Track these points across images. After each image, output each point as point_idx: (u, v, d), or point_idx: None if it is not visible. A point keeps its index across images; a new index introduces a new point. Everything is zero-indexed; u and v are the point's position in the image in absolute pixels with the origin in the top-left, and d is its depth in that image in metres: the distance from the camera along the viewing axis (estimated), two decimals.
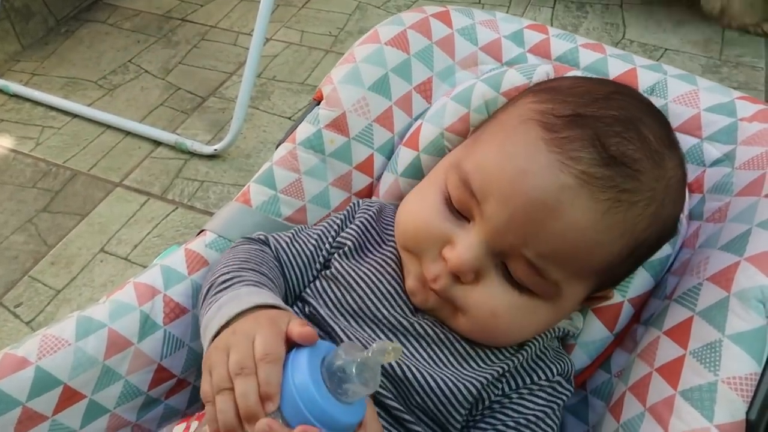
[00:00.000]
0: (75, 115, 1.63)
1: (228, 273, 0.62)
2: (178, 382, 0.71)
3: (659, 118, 0.59)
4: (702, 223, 0.68)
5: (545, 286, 0.56)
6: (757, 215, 0.60)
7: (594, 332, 0.69)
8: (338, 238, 0.70)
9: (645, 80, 0.77)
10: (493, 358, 0.61)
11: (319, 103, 0.80)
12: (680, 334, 0.58)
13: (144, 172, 1.49)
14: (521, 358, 0.61)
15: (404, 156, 0.79)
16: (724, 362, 0.54)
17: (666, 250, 0.67)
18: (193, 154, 1.52)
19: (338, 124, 0.79)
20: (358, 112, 0.79)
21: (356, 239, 0.68)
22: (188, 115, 1.63)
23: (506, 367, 0.60)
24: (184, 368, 0.71)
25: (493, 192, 0.54)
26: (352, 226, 0.70)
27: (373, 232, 0.70)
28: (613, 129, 0.54)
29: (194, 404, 0.75)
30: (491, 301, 0.56)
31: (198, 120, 1.62)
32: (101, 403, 0.65)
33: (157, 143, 1.55)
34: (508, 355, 0.61)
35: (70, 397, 0.62)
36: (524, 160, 0.53)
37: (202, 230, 0.76)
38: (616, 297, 0.68)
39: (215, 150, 1.49)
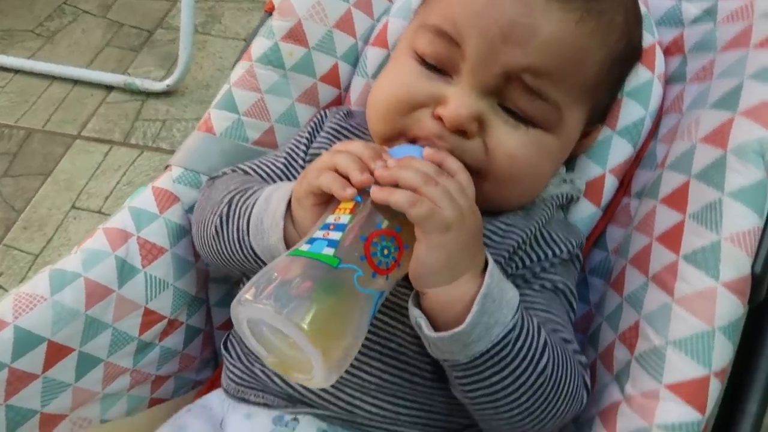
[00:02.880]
0: (17, 71, 1.54)
1: (235, 191, 0.60)
2: (170, 323, 0.70)
3: None
4: (685, 84, 0.66)
5: (548, 110, 0.56)
6: (747, 67, 0.57)
7: (581, 209, 0.68)
8: (310, 150, 0.67)
9: None
10: (502, 231, 0.59)
11: (271, 14, 0.74)
12: (677, 199, 0.57)
13: (101, 119, 1.42)
14: (534, 228, 0.60)
15: (373, 56, 0.75)
16: (725, 220, 0.53)
17: (638, 112, 0.67)
18: (149, 94, 1.44)
19: (295, 35, 0.74)
20: (314, 18, 0.74)
21: (330, 146, 0.65)
22: (137, 53, 1.54)
23: (520, 240, 0.59)
24: (174, 308, 0.70)
25: (468, 28, 0.54)
26: (323, 134, 0.67)
27: (347, 135, 0.67)
28: None
29: (191, 343, 0.74)
30: (505, 143, 0.55)
31: (148, 56, 1.53)
32: (92, 353, 0.64)
33: (110, 88, 1.48)
34: (520, 226, 0.60)
35: (57, 352, 0.61)
36: None
37: (168, 166, 0.72)
38: (597, 170, 0.67)
39: (167, 86, 1.41)
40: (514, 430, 0.53)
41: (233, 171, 0.68)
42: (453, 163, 0.52)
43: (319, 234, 0.46)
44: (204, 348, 0.77)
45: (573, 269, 0.63)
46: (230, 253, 0.59)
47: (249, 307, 0.43)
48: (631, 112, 0.67)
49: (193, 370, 0.77)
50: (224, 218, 0.59)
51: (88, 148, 1.38)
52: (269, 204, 0.55)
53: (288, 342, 0.44)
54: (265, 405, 0.60)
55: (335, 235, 0.45)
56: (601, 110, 0.64)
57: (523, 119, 0.56)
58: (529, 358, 0.49)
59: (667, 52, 0.69)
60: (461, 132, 0.54)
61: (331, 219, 0.47)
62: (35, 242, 1.24)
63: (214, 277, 0.75)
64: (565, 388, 0.52)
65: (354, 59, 0.78)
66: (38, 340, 0.59)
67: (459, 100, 0.54)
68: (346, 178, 0.49)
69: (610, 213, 0.69)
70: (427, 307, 0.49)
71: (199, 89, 1.44)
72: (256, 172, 0.67)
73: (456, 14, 0.55)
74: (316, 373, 0.43)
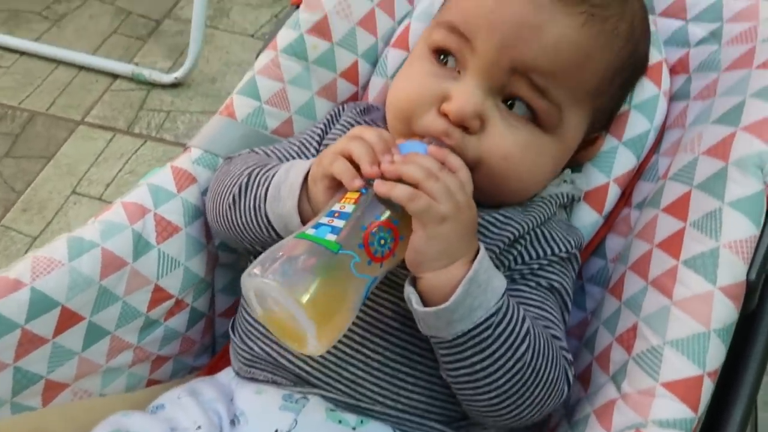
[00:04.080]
0: (23, 53, 1.53)
1: (255, 165, 0.63)
2: (177, 303, 0.70)
3: None
4: (689, 101, 0.69)
5: (549, 110, 0.58)
6: (750, 86, 0.60)
7: (583, 217, 0.70)
8: (324, 141, 0.69)
9: None
10: (500, 223, 0.61)
11: (298, 7, 0.76)
12: (679, 208, 0.60)
13: (105, 107, 1.43)
14: (531, 223, 0.62)
15: (394, 57, 0.77)
16: (724, 228, 0.56)
17: (644, 125, 0.70)
18: (155, 84, 1.45)
19: (320, 28, 0.76)
20: (340, 14, 0.76)
21: None
22: (144, 42, 1.55)
23: (516, 233, 0.61)
24: (182, 288, 0.70)
25: (479, 25, 0.57)
26: (338, 126, 0.69)
27: None
28: None
29: (193, 326, 0.75)
30: (501, 143, 0.58)
31: (155, 46, 1.54)
32: (101, 325, 0.64)
33: (115, 75, 1.48)
34: (517, 219, 0.62)
35: (68, 318, 0.61)
36: None
37: (188, 147, 0.73)
38: (602, 178, 0.70)
39: (176, 78, 1.42)
40: (494, 414, 0.56)
41: (250, 152, 0.70)
42: (455, 160, 0.55)
43: (324, 220, 0.51)
44: (205, 333, 0.77)
45: (570, 269, 0.65)
46: (245, 221, 0.61)
47: (256, 280, 0.48)
48: (637, 124, 0.70)
49: (192, 355, 0.77)
50: (243, 187, 0.62)
51: (92, 134, 1.38)
52: (288, 175, 0.59)
53: (288, 313, 0.49)
54: (275, 383, 0.62)
55: (339, 223, 0.50)
56: (605, 117, 0.67)
57: (523, 119, 0.58)
58: (509, 343, 0.52)
59: (673, 71, 0.72)
60: (464, 128, 0.57)
61: (336, 207, 0.52)
62: (34, 225, 1.23)
63: (222, 262, 0.76)
64: (545, 378, 0.55)
65: (373, 58, 0.80)
66: (53, 304, 0.59)
67: (464, 96, 0.57)
68: (356, 167, 0.53)
69: (610, 222, 0.71)
70: (420, 288, 0.53)
71: (205, 82, 1.45)
72: (269, 156, 0.69)
73: (468, 11, 0.59)
74: (309, 342, 0.49)
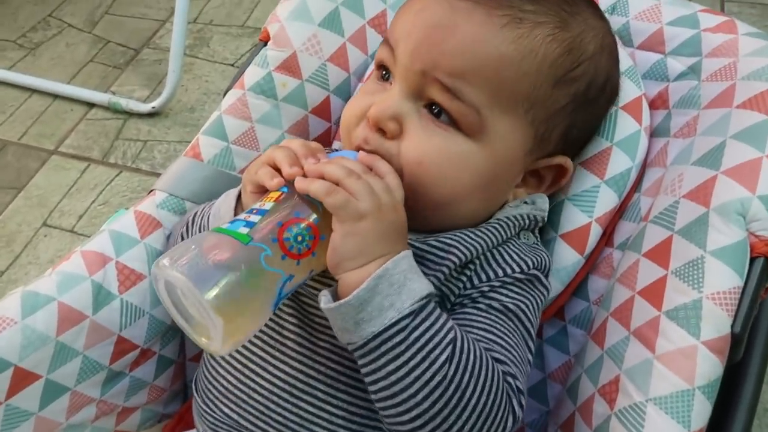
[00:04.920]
0: None
1: (198, 208, 0.65)
2: (142, 353, 0.68)
3: None
4: (670, 138, 0.68)
5: (466, 112, 0.56)
6: (730, 127, 0.58)
7: (564, 257, 0.68)
8: None
9: None
10: (442, 251, 0.58)
11: (266, 44, 0.75)
12: (660, 254, 0.58)
13: (80, 136, 1.40)
14: (482, 246, 0.58)
15: None
16: (707, 278, 0.54)
17: (626, 163, 0.68)
18: (131, 114, 1.42)
19: (289, 66, 0.74)
20: (309, 51, 0.74)
21: None
22: (122, 70, 1.53)
23: (464, 258, 0.57)
24: (147, 337, 0.68)
25: (401, 34, 0.58)
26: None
27: None
28: None
29: (162, 374, 0.72)
30: (416, 147, 0.57)
31: (133, 75, 1.52)
32: (60, 381, 0.62)
33: (91, 104, 1.45)
34: (465, 244, 0.58)
35: (23, 379, 0.59)
36: (420, 3, 0.59)
37: (152, 190, 0.71)
38: (583, 218, 0.68)
39: (153, 107, 1.40)
40: None
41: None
42: (383, 165, 0.55)
43: (241, 216, 0.51)
44: (174, 380, 0.75)
45: (531, 291, 0.60)
46: None
47: (164, 271, 0.47)
48: (619, 162, 0.67)
49: (161, 403, 0.75)
50: (190, 223, 0.64)
51: (65, 164, 1.35)
52: (227, 198, 0.61)
53: (195, 307, 0.48)
54: None
55: (254, 218, 0.50)
56: (563, 139, 0.63)
57: (444, 124, 0.57)
58: (425, 351, 0.48)
59: (653, 105, 0.71)
60: (382, 132, 0.57)
61: (256, 205, 0.52)
62: (2, 258, 1.20)
63: None
64: (475, 401, 0.49)
65: (346, 93, 0.78)
66: (4, 365, 0.57)
67: (382, 101, 0.57)
68: (279, 170, 0.54)
69: (591, 262, 0.69)
70: (339, 291, 0.51)
71: (183, 111, 1.43)
72: None
73: (397, 23, 0.60)
74: (214, 339, 0.47)
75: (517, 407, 0.52)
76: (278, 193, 0.53)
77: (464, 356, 0.50)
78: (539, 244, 0.66)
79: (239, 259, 0.47)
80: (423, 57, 0.56)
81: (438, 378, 0.48)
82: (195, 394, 0.64)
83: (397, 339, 0.48)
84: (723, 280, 0.53)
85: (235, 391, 0.60)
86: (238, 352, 0.60)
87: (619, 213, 0.69)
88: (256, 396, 0.59)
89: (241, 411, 0.59)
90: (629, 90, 0.68)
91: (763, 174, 0.54)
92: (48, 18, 1.66)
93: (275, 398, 0.58)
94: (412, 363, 0.48)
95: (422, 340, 0.49)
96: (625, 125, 0.68)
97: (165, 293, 0.50)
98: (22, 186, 1.31)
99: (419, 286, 0.50)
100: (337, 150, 0.60)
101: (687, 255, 0.55)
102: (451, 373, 0.49)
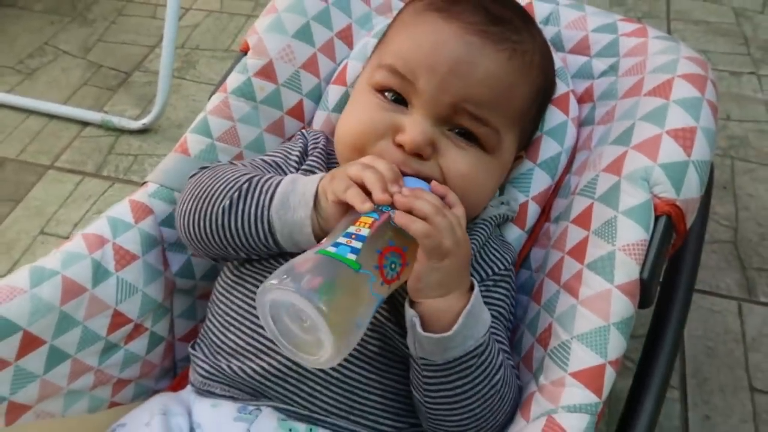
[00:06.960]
0: None
1: (252, 174, 0.66)
2: (136, 327, 0.74)
3: None
4: (594, 126, 0.79)
5: (489, 134, 0.65)
6: (638, 111, 0.69)
7: (510, 232, 0.78)
8: (303, 167, 0.73)
9: (540, 11, 0.87)
10: None
11: (246, 54, 0.84)
12: (584, 219, 0.67)
13: (75, 152, 1.48)
14: (474, 246, 0.68)
15: (334, 93, 0.85)
16: (619, 233, 0.63)
17: (555, 148, 0.79)
18: (123, 130, 1.51)
19: (266, 72, 0.83)
20: (284, 59, 0.84)
21: (324, 167, 0.72)
22: (114, 92, 1.62)
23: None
24: (140, 313, 0.74)
25: (419, 68, 0.64)
26: (316, 153, 0.74)
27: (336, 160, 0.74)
28: None
29: (153, 350, 0.78)
30: (457, 164, 0.65)
31: (125, 95, 1.61)
32: (62, 348, 0.67)
33: (85, 123, 1.54)
34: None
35: (30, 342, 0.64)
36: (433, 35, 0.65)
37: (145, 182, 0.79)
38: (521, 197, 0.78)
39: (143, 124, 1.48)
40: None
41: (225, 163, 0.73)
42: (453, 197, 0.61)
43: (342, 240, 0.54)
44: (165, 357, 0.80)
45: (509, 286, 0.71)
46: (242, 225, 0.63)
47: (281, 291, 0.50)
48: (549, 147, 0.79)
49: (153, 378, 0.80)
50: (244, 192, 0.64)
51: (61, 178, 1.42)
52: (295, 186, 0.63)
53: (303, 326, 0.52)
54: (231, 398, 0.65)
55: (357, 244, 0.54)
56: (527, 138, 0.75)
57: (468, 143, 0.65)
58: (488, 371, 0.59)
59: (581, 100, 0.82)
60: (418, 156, 0.64)
61: (352, 229, 0.55)
62: (2, 263, 1.26)
63: (180, 288, 0.80)
64: (506, 404, 0.62)
65: (317, 97, 0.87)
66: (15, 329, 0.63)
67: (415, 127, 0.63)
68: (367, 193, 0.57)
69: (534, 236, 0.79)
70: (419, 312, 0.58)
71: (171, 128, 1.51)
72: (246, 167, 0.72)
73: (408, 55, 0.65)
74: (324, 353, 0.51)
75: (518, 400, 0.64)
76: (371, 219, 0.56)
77: (507, 372, 0.61)
78: (503, 236, 0.77)
79: (351, 284, 0.51)
80: (452, 91, 0.63)
81: (492, 392, 0.60)
82: (193, 352, 0.70)
83: (471, 363, 0.58)
84: (632, 234, 0.63)
85: (255, 351, 0.64)
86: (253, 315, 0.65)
87: (554, 192, 0.80)
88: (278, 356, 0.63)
89: (241, 363, 0.64)
90: (559, 87, 0.80)
91: (663, 146, 0.65)
92: (44, 46, 1.75)
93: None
94: (476, 380, 0.59)
95: (486, 363, 0.59)
96: (553, 117, 0.79)
97: (269, 317, 0.52)
98: (20, 198, 1.38)
99: (487, 315, 0.60)
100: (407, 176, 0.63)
101: (604, 216, 0.65)
102: (500, 386, 0.60)
